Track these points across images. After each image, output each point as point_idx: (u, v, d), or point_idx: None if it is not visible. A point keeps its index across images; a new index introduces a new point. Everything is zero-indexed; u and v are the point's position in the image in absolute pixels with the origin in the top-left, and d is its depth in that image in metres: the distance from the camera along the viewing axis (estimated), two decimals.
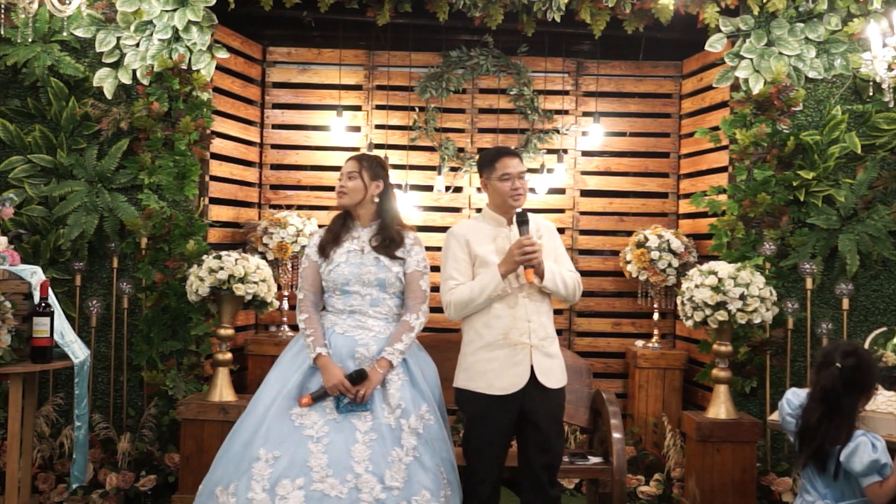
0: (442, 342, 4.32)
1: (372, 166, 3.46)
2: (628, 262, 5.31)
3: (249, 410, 3.31)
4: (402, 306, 3.45)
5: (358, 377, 3.22)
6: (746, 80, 4.88)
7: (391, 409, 3.23)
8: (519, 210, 3.39)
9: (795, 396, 3.19)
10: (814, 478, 3.08)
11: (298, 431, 3.15)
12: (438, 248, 5.54)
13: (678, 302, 4.53)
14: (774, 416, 3.88)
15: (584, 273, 4.74)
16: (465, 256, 3.42)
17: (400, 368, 3.32)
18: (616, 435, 3.91)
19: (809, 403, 3.09)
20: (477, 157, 5.60)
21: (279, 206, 5.63)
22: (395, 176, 5.56)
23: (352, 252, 3.41)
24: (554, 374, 3.35)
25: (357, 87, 5.72)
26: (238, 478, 3.09)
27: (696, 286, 4.39)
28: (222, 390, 4.47)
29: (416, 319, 3.39)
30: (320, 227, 4.73)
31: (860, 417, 3.07)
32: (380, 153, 5.54)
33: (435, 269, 3.54)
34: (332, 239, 3.45)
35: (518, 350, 3.30)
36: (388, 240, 3.41)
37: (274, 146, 5.73)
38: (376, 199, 3.45)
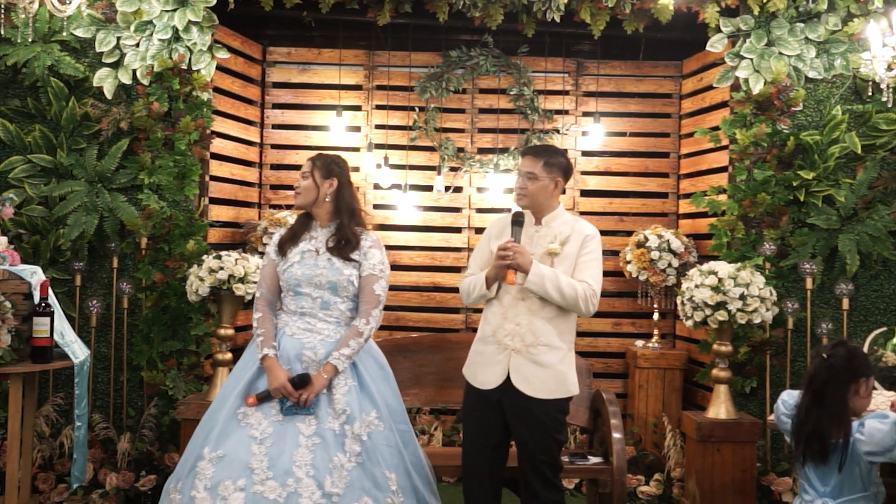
0: (443, 342, 4.33)
1: (325, 165, 3.39)
2: (628, 262, 5.31)
3: (209, 408, 3.32)
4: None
5: (301, 381, 3.17)
6: (746, 80, 4.88)
7: (336, 415, 3.18)
8: (517, 209, 3.40)
9: (790, 397, 3.29)
10: (812, 476, 3.12)
11: (243, 431, 3.14)
12: (438, 249, 5.66)
13: (678, 302, 4.53)
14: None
15: None
16: (486, 249, 3.46)
17: (348, 373, 3.25)
18: (616, 435, 3.91)
19: (801, 397, 3.18)
20: (478, 156, 5.64)
21: (279, 206, 5.63)
22: (394, 176, 5.57)
23: (306, 252, 3.34)
24: (540, 384, 3.28)
25: (357, 87, 5.71)
26: (185, 475, 3.12)
27: (696, 286, 4.39)
28: None
29: (366, 325, 3.27)
30: None
31: (855, 409, 3.13)
32: (380, 153, 5.55)
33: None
34: (290, 237, 3.40)
35: (501, 350, 3.32)
36: (344, 241, 3.33)
37: (274, 146, 5.73)
38: (328, 199, 3.37)
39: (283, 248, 3.39)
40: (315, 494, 3.02)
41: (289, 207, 5.53)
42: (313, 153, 5.57)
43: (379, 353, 3.45)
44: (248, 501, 2.98)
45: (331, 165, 3.40)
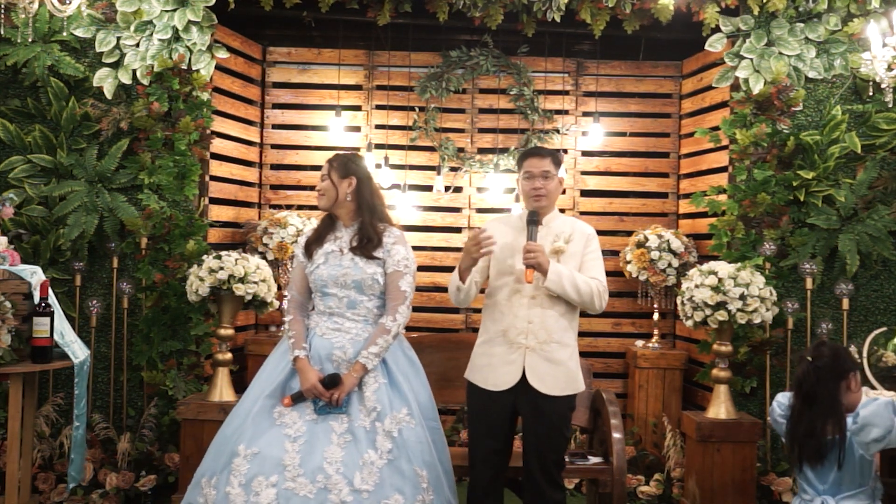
0: (443, 342, 4.33)
1: (342, 165, 3.39)
2: (628, 262, 5.31)
3: (237, 406, 3.36)
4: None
5: (331, 381, 3.20)
6: (746, 80, 4.88)
7: (367, 412, 3.20)
8: (531, 209, 3.40)
9: (784, 398, 3.34)
10: (810, 476, 3.15)
11: (278, 430, 3.17)
12: (439, 249, 5.66)
13: (678, 302, 4.53)
14: None
15: None
16: None
17: (378, 371, 3.27)
18: (616, 435, 3.91)
19: (792, 400, 3.24)
20: (478, 156, 5.64)
21: (279, 206, 5.62)
22: (394, 176, 5.57)
23: (331, 253, 3.35)
24: (552, 381, 3.29)
25: (357, 87, 5.71)
26: (219, 471, 3.15)
27: (696, 286, 4.39)
28: (222, 390, 4.46)
29: (393, 322, 3.28)
30: None
31: (849, 404, 3.17)
32: (380, 153, 5.55)
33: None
34: (315, 239, 3.42)
35: (514, 349, 3.30)
36: (366, 240, 3.33)
37: (274, 146, 5.72)
38: (349, 198, 3.37)
39: (309, 249, 3.41)
40: (343, 491, 3.04)
41: (289, 207, 5.53)
42: (313, 153, 5.69)
43: (409, 349, 3.46)
44: (279, 497, 3.02)
45: (347, 164, 3.40)
